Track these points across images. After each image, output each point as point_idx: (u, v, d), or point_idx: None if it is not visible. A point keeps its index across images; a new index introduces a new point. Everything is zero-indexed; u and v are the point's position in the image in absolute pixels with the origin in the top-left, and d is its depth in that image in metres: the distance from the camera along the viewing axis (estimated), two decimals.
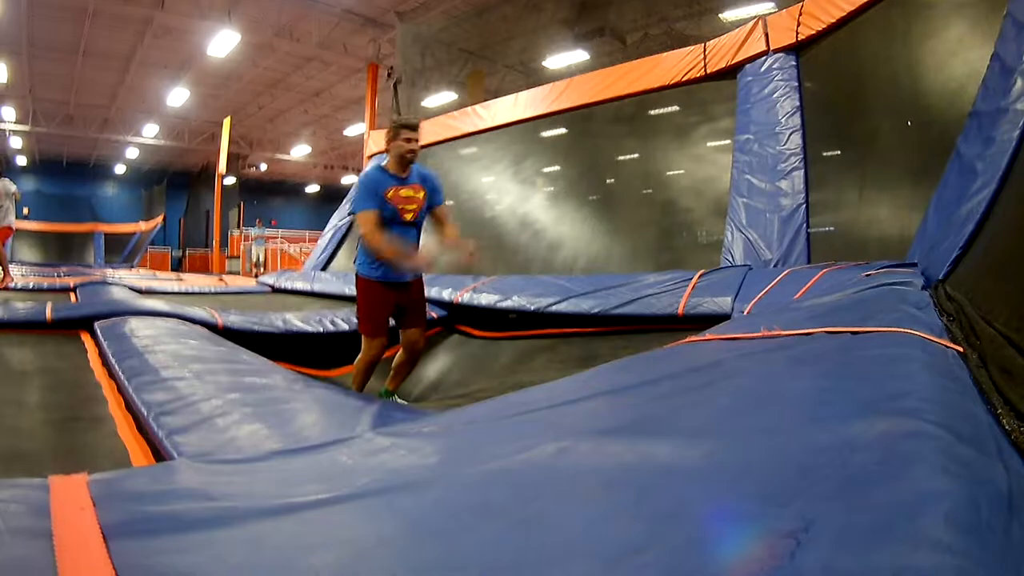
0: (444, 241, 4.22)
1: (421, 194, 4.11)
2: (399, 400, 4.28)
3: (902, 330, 1.64)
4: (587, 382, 1.79)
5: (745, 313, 3.85)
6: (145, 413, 2.13)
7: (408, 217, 4.05)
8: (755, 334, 1.92)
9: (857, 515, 0.71)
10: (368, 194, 3.94)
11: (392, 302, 4.08)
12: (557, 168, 8.61)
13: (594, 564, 0.71)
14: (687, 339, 2.20)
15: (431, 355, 5.45)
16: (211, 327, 4.60)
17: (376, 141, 11.34)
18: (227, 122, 23.17)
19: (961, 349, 1.60)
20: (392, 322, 4.19)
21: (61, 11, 15.70)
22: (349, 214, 4.01)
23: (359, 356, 4.14)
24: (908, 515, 0.70)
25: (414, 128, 4.05)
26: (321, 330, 5.21)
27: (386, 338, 4.13)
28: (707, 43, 6.74)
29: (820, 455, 0.91)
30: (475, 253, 4.05)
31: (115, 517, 0.85)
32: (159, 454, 1.88)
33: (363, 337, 4.12)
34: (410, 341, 4.21)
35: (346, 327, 5.26)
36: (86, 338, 4.14)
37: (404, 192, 4.04)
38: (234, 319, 4.98)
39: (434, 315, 5.84)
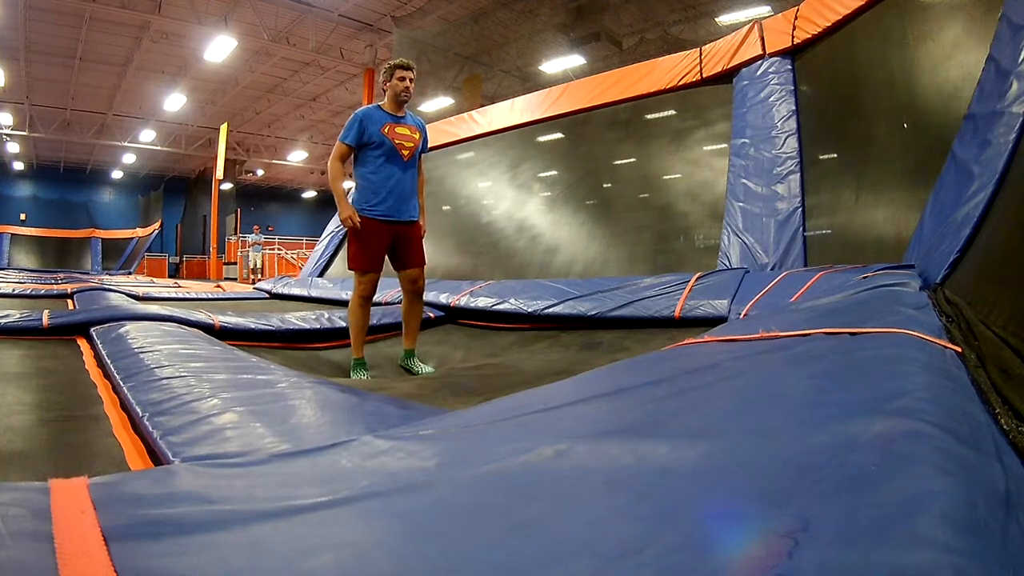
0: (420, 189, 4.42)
1: (417, 135, 4.28)
2: (422, 365, 4.30)
3: (900, 331, 1.64)
4: (584, 384, 1.79)
5: (742, 316, 3.86)
6: (140, 413, 2.12)
7: (405, 154, 4.18)
8: (753, 336, 1.93)
9: (855, 514, 0.72)
10: (355, 125, 4.11)
11: (385, 238, 4.16)
12: (554, 173, 8.63)
13: (593, 564, 0.72)
14: (685, 341, 2.20)
15: (433, 338, 5.45)
16: (207, 328, 4.60)
17: None
18: (224, 127, 23.21)
19: (959, 349, 1.61)
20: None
21: (58, 16, 15.73)
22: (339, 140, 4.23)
23: (351, 300, 4.23)
24: (906, 514, 0.70)
25: (409, 68, 4.22)
26: (318, 326, 5.22)
27: (377, 274, 4.21)
28: (703, 47, 6.77)
29: (818, 455, 0.91)
30: (422, 234, 4.33)
31: (116, 520, 0.85)
32: (154, 454, 1.87)
33: (355, 277, 4.19)
34: (410, 279, 4.30)
35: (342, 323, 5.27)
36: (83, 343, 4.14)
37: (400, 129, 4.18)
38: (230, 319, 4.98)
39: (431, 315, 5.86)
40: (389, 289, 6.80)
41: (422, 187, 4.44)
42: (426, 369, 4.28)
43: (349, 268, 4.26)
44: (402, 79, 4.15)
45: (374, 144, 4.10)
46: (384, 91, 4.25)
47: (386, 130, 4.10)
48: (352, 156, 4.22)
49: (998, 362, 1.48)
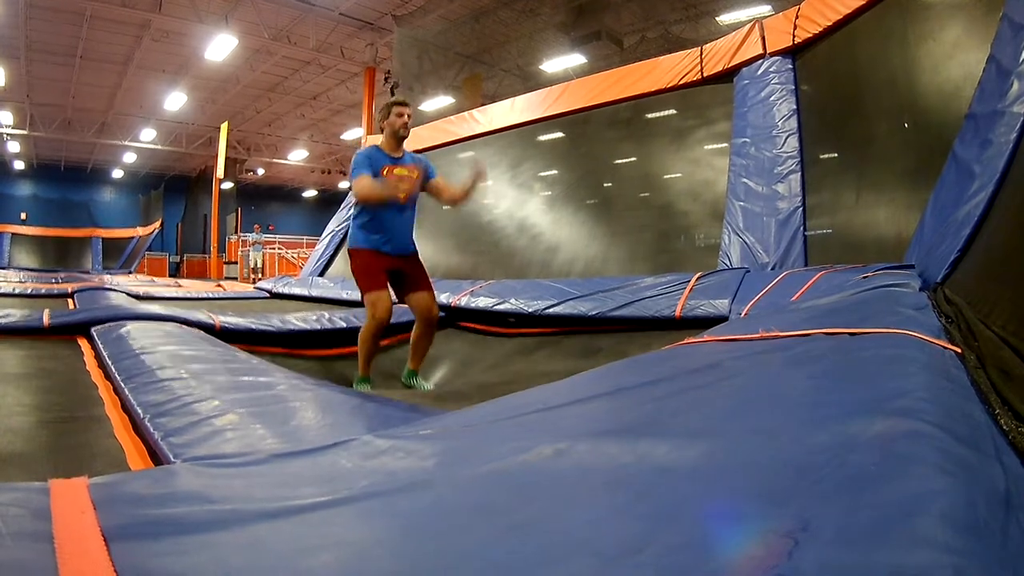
0: (456, 193, 4.44)
1: (415, 174, 4.29)
2: (423, 383, 4.31)
3: (900, 331, 1.64)
4: (584, 384, 1.79)
5: (743, 315, 3.86)
6: (141, 414, 2.13)
7: (402, 197, 4.17)
8: (753, 335, 1.93)
9: (855, 514, 0.72)
10: (363, 164, 4.06)
11: (387, 266, 4.16)
12: (554, 172, 8.62)
13: (592, 563, 0.72)
14: (685, 341, 2.20)
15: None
16: (208, 329, 4.60)
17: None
18: (225, 127, 23.22)
19: (959, 350, 1.61)
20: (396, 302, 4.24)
21: (59, 15, 15.72)
22: (348, 189, 4.46)
23: (363, 328, 4.15)
24: (906, 514, 0.70)
25: (405, 104, 4.25)
26: (319, 327, 5.21)
27: (389, 295, 4.16)
28: (704, 47, 6.76)
29: (818, 455, 0.91)
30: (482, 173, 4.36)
31: (116, 520, 0.85)
32: (155, 455, 1.87)
33: (366, 300, 4.12)
34: (423, 307, 4.24)
35: (343, 324, 5.26)
36: (83, 343, 4.14)
37: (399, 171, 4.19)
38: (231, 320, 4.98)
39: None
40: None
41: (456, 194, 4.47)
42: (427, 387, 4.30)
43: (361, 297, 4.19)
44: (400, 115, 4.18)
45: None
46: (381, 130, 4.28)
47: (385, 172, 4.12)
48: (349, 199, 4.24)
49: (998, 362, 1.48)
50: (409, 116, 4.23)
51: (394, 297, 4.22)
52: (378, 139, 4.34)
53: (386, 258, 4.14)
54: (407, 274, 4.25)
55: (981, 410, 1.22)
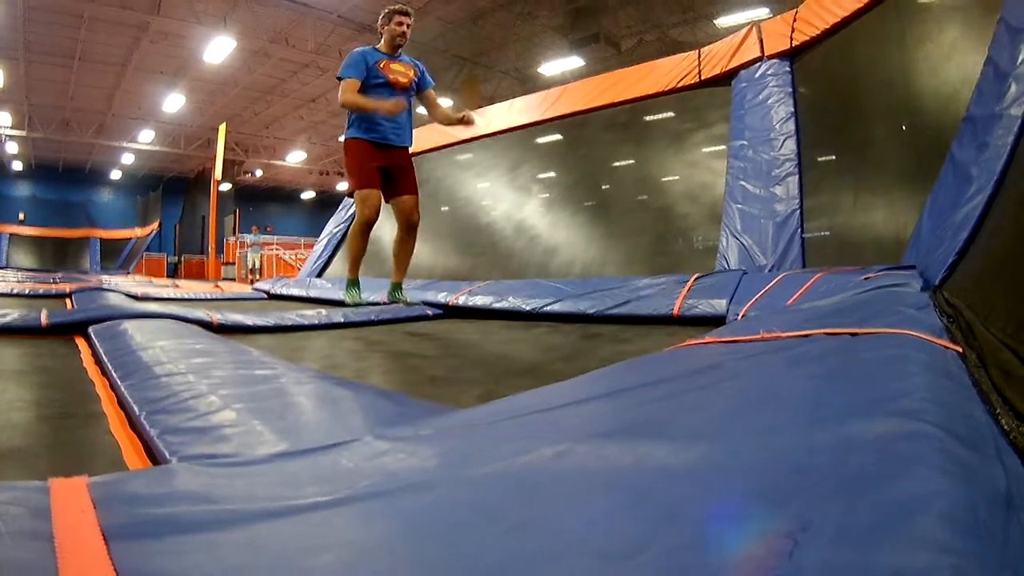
0: (447, 114, 4.65)
1: (411, 72, 4.49)
2: (405, 297, 4.39)
3: (901, 331, 1.64)
4: (585, 385, 1.79)
5: (740, 316, 3.86)
6: (137, 411, 2.12)
7: (399, 87, 4.38)
8: (754, 337, 1.93)
9: (855, 515, 0.72)
10: (355, 62, 4.28)
11: (380, 161, 4.31)
12: (552, 174, 8.64)
13: (593, 564, 0.72)
14: (686, 343, 2.20)
15: (434, 328, 5.45)
16: (206, 325, 4.59)
17: None
18: (223, 128, 23.22)
19: (960, 350, 1.61)
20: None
21: (57, 16, 15.72)
22: (337, 77, 4.41)
23: (351, 226, 4.38)
24: (906, 515, 0.70)
25: (407, 14, 4.43)
26: (316, 322, 5.21)
27: (379, 192, 4.34)
28: (701, 49, 6.79)
29: (818, 455, 0.91)
30: (468, 118, 4.54)
31: (116, 519, 0.85)
32: (151, 452, 1.87)
33: (356, 196, 4.32)
34: (405, 210, 4.45)
35: (340, 319, 5.26)
36: (80, 342, 4.13)
37: (395, 65, 4.39)
38: (229, 316, 4.97)
39: (430, 313, 5.86)
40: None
41: (443, 115, 4.64)
42: (410, 301, 4.39)
43: (348, 193, 4.47)
44: (400, 24, 4.33)
45: (371, 78, 4.27)
46: (380, 34, 4.45)
47: (382, 66, 4.29)
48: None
49: (998, 362, 1.48)
50: (409, 27, 4.39)
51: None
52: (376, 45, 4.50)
53: (379, 153, 4.29)
54: (396, 175, 4.40)
55: (982, 410, 1.22)
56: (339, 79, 4.29)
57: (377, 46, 4.42)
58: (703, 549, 0.74)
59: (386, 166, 4.31)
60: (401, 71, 4.36)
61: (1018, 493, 0.83)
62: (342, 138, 4.50)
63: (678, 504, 0.85)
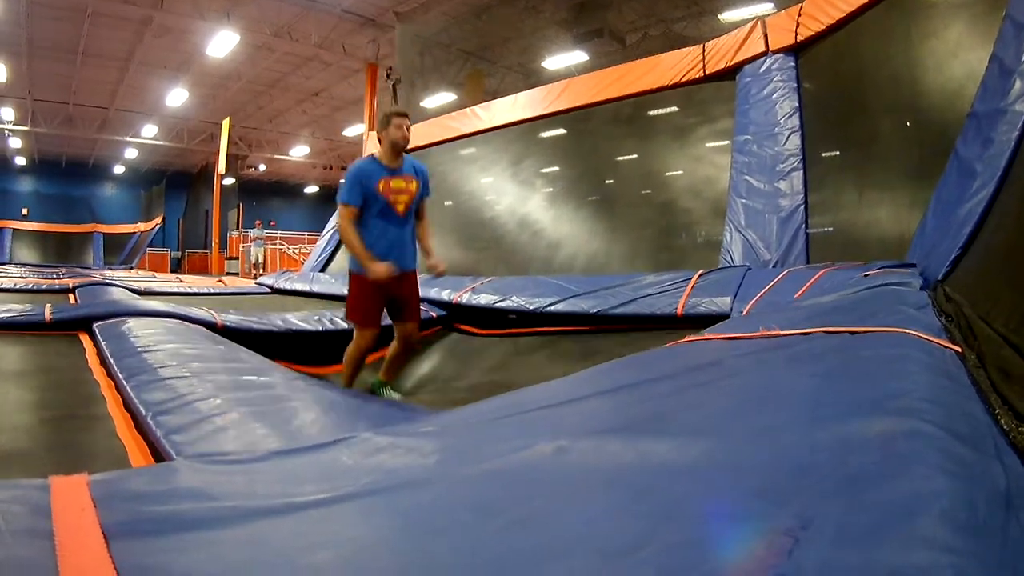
0: (426, 245, 4.29)
1: (413, 185, 4.12)
2: (392, 393, 4.27)
3: (901, 330, 1.64)
4: (585, 381, 1.79)
5: (744, 313, 3.85)
6: (143, 412, 2.13)
7: (400, 209, 4.05)
8: (754, 334, 1.93)
9: (855, 514, 0.72)
10: (354, 185, 3.96)
11: (384, 294, 4.04)
12: (556, 169, 8.62)
13: (593, 561, 0.72)
14: (686, 338, 2.20)
15: (428, 351, 5.45)
16: (210, 326, 4.60)
17: (375, 142, 11.31)
18: (226, 123, 23.19)
19: (959, 349, 1.60)
20: (387, 320, 4.18)
21: (60, 11, 15.69)
22: (336, 200, 4.20)
23: (349, 347, 4.12)
24: (906, 514, 0.70)
25: (404, 115, 4.09)
26: (320, 328, 5.21)
27: (378, 328, 4.11)
28: (706, 44, 6.76)
29: (818, 454, 0.91)
30: (443, 272, 4.20)
31: (116, 517, 0.85)
32: (157, 453, 1.87)
33: (356, 331, 4.11)
34: (405, 333, 4.20)
35: (344, 325, 5.26)
36: (85, 339, 4.14)
37: (395, 183, 4.04)
38: (233, 318, 4.97)
39: (433, 315, 5.85)
40: None
41: (425, 234, 4.33)
42: (395, 396, 4.25)
43: (346, 319, 4.19)
44: (399, 127, 4.03)
45: (370, 202, 3.99)
46: (379, 141, 4.15)
47: (381, 186, 3.98)
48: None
49: (998, 361, 1.48)
50: (408, 128, 4.08)
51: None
52: (373, 148, 4.25)
53: (384, 287, 3.97)
54: (399, 304, 4.15)
55: (981, 409, 1.22)
56: (337, 203, 4.09)
57: (375, 155, 4.13)
58: (703, 547, 0.74)
59: (391, 296, 4.08)
60: (402, 187, 4.05)
61: (1017, 492, 0.83)
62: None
63: (678, 501, 0.85)
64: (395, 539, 0.85)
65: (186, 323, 4.48)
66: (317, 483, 1.03)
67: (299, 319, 5.29)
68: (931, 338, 1.60)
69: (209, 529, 0.84)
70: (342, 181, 4.11)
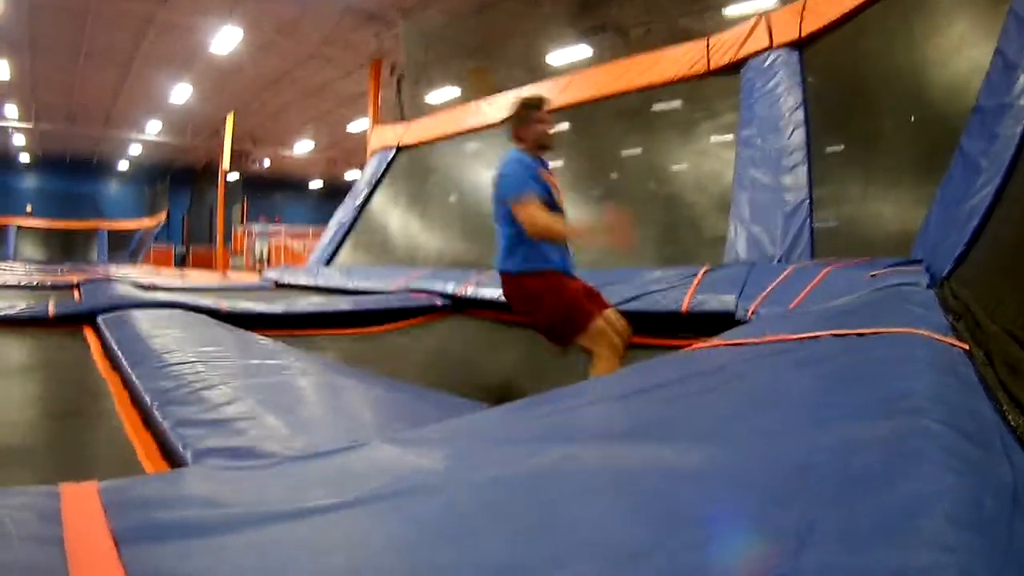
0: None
1: (556, 180, 3.49)
2: None
3: (908, 330, 1.64)
4: (593, 388, 1.80)
5: (750, 312, 3.85)
6: (150, 402, 2.12)
7: (561, 201, 3.45)
8: (760, 339, 1.92)
9: (860, 515, 0.72)
10: (529, 174, 3.27)
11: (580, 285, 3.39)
12: (560, 163, 8.61)
13: (601, 566, 0.72)
14: (694, 346, 2.20)
15: (439, 335, 5.46)
16: (214, 314, 4.60)
17: (379, 136, 11.29)
18: (230, 118, 23.20)
19: (966, 347, 1.60)
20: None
21: (63, 8, 15.70)
22: (502, 203, 3.35)
23: (595, 365, 3.16)
24: (911, 514, 0.70)
25: (542, 105, 3.47)
26: (323, 310, 5.21)
27: (604, 308, 3.37)
28: (710, 39, 6.73)
29: (823, 456, 0.92)
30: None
31: (126, 523, 0.86)
32: (164, 445, 1.87)
33: (590, 335, 3.19)
34: (619, 329, 3.31)
35: (346, 307, 5.26)
36: (89, 332, 4.15)
37: (551, 177, 3.42)
38: (237, 304, 4.98)
39: (438, 303, 5.87)
40: (402, 276, 6.85)
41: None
42: None
43: (569, 339, 3.28)
44: (541, 120, 3.37)
45: (540, 194, 3.29)
46: (519, 139, 3.44)
47: (547, 176, 3.36)
48: (501, 211, 3.47)
49: (1005, 357, 1.47)
50: (550, 121, 3.44)
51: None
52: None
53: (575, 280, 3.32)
54: (589, 291, 3.45)
55: (989, 407, 1.21)
56: (511, 197, 3.30)
57: (519, 148, 3.38)
58: (710, 551, 0.74)
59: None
60: (557, 183, 3.39)
61: None
62: (516, 271, 3.52)
63: (684, 505, 0.85)
64: (405, 545, 0.85)
65: (191, 311, 4.49)
66: (327, 489, 1.04)
67: (303, 303, 5.30)
68: (938, 336, 1.60)
69: (219, 535, 0.85)
70: (505, 176, 3.39)
